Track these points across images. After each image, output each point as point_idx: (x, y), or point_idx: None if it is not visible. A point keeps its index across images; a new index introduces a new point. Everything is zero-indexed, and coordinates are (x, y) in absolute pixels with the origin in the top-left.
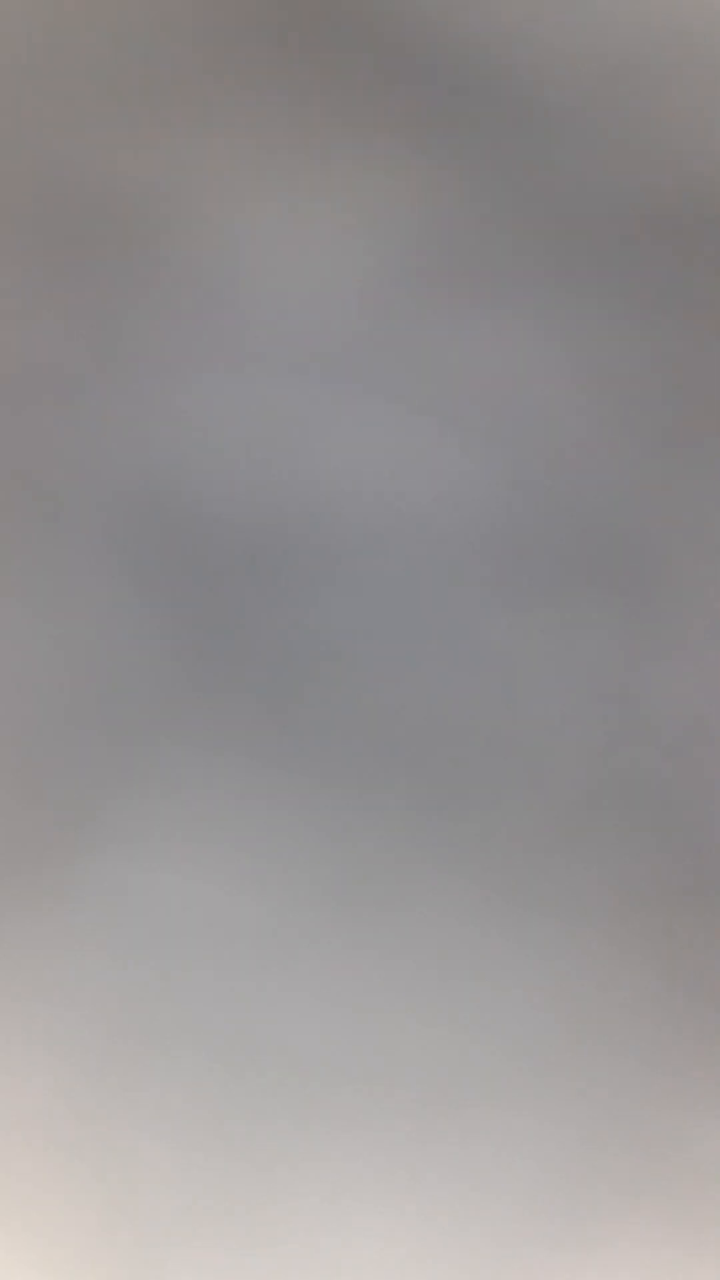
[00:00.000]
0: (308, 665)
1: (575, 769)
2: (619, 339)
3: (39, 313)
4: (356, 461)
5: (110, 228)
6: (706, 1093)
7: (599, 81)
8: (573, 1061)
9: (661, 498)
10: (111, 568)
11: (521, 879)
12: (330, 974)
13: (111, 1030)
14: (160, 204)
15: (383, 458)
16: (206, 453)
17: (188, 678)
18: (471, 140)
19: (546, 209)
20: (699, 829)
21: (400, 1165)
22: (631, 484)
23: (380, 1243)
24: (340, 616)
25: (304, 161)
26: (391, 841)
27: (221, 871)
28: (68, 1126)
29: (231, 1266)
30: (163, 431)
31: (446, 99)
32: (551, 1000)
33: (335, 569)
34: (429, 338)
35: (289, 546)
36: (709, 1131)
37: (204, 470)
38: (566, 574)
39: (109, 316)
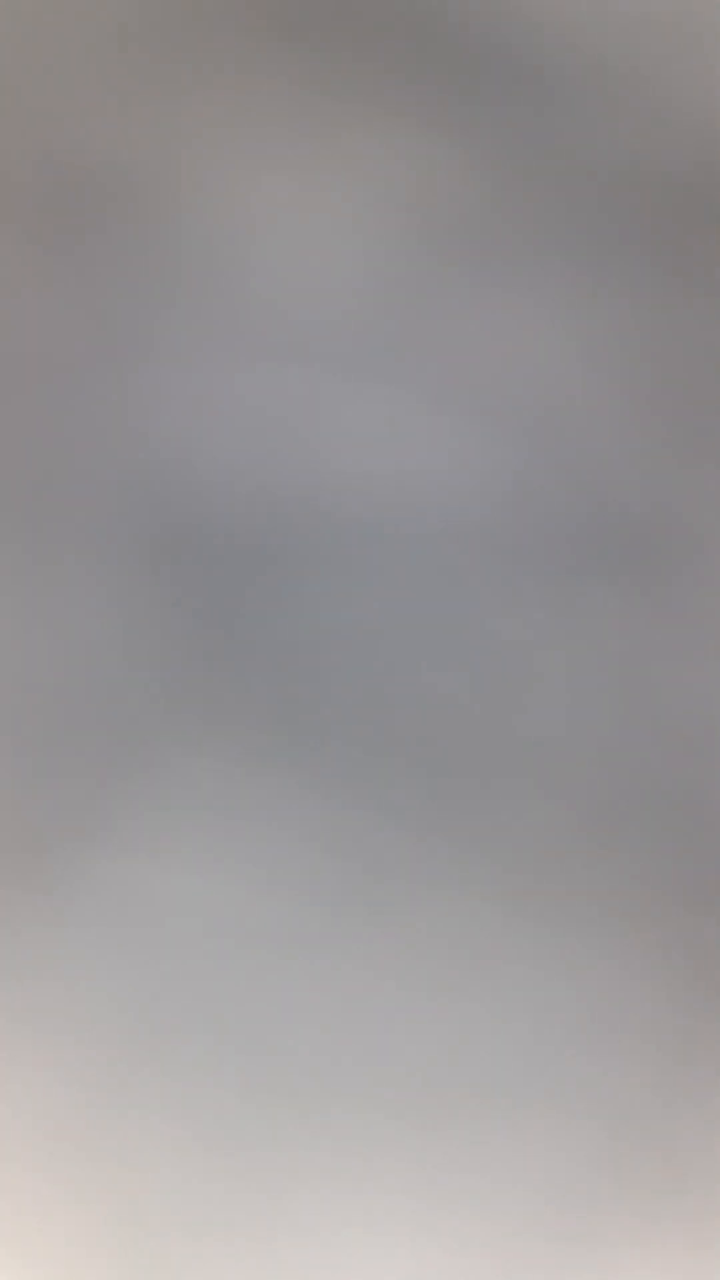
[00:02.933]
0: (313, 659)
1: (585, 764)
2: (630, 316)
3: (38, 296)
4: (362, 446)
5: (111, 208)
6: (714, 1101)
7: (607, 51)
8: (583, 1069)
9: (672, 482)
10: (113, 560)
11: (530, 878)
12: (335, 975)
13: (114, 1031)
14: (161, 183)
15: (389, 443)
16: (209, 438)
17: (191, 673)
18: (477, 114)
19: (554, 183)
20: (712, 826)
21: (406, 1170)
22: (643, 469)
23: (386, 1251)
24: (346, 608)
25: (308, 139)
26: (397, 841)
27: (226, 871)
28: (70, 1127)
29: (234, 1272)
30: (165, 417)
31: (452, 73)
32: (562, 1005)
33: (340, 559)
34: (436, 318)
35: (293, 536)
36: (714, 1140)
37: (207, 457)
38: (575, 562)
39: (110, 299)
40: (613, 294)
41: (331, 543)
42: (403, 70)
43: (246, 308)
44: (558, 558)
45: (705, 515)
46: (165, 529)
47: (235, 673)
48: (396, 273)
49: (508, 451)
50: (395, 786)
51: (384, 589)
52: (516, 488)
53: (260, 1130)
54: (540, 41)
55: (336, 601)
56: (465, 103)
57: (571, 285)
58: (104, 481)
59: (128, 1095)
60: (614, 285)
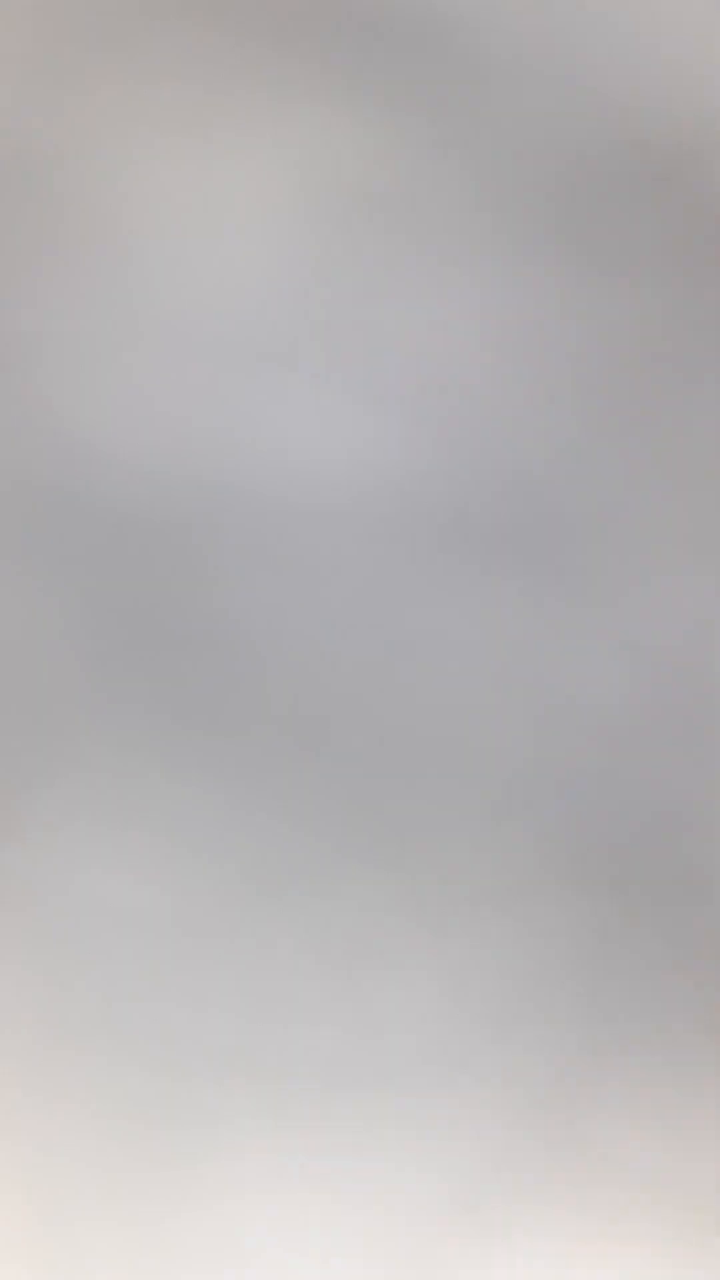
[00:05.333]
0: (226, 651)
1: (499, 754)
2: (548, 302)
3: None
4: (278, 435)
5: (20, 194)
6: (617, 1088)
7: (526, 28)
8: (497, 1056)
9: (592, 471)
10: (24, 555)
11: (441, 868)
12: (246, 965)
13: (26, 1021)
14: (75, 167)
15: (305, 431)
16: (122, 433)
17: (105, 666)
18: (394, 98)
19: (474, 166)
20: (624, 815)
21: (311, 1157)
22: (562, 457)
23: (289, 1231)
24: (260, 598)
25: (219, 124)
26: (309, 831)
27: (137, 862)
28: None
29: (144, 1252)
30: (76, 411)
31: (367, 54)
32: (469, 993)
33: (256, 549)
34: (352, 304)
35: (207, 526)
36: (616, 1127)
37: (120, 452)
38: (494, 554)
39: (17, 291)
40: (531, 280)
41: (246, 533)
42: (316, 54)
43: (161, 299)
44: (476, 550)
45: (625, 504)
46: (75, 521)
47: (148, 666)
48: (312, 258)
49: (425, 439)
50: (308, 779)
51: (300, 578)
52: (434, 475)
53: (169, 1116)
54: (456, 18)
55: (251, 592)
56: (382, 86)
57: (489, 271)
58: (13, 474)
59: (38, 1082)
60: (532, 270)
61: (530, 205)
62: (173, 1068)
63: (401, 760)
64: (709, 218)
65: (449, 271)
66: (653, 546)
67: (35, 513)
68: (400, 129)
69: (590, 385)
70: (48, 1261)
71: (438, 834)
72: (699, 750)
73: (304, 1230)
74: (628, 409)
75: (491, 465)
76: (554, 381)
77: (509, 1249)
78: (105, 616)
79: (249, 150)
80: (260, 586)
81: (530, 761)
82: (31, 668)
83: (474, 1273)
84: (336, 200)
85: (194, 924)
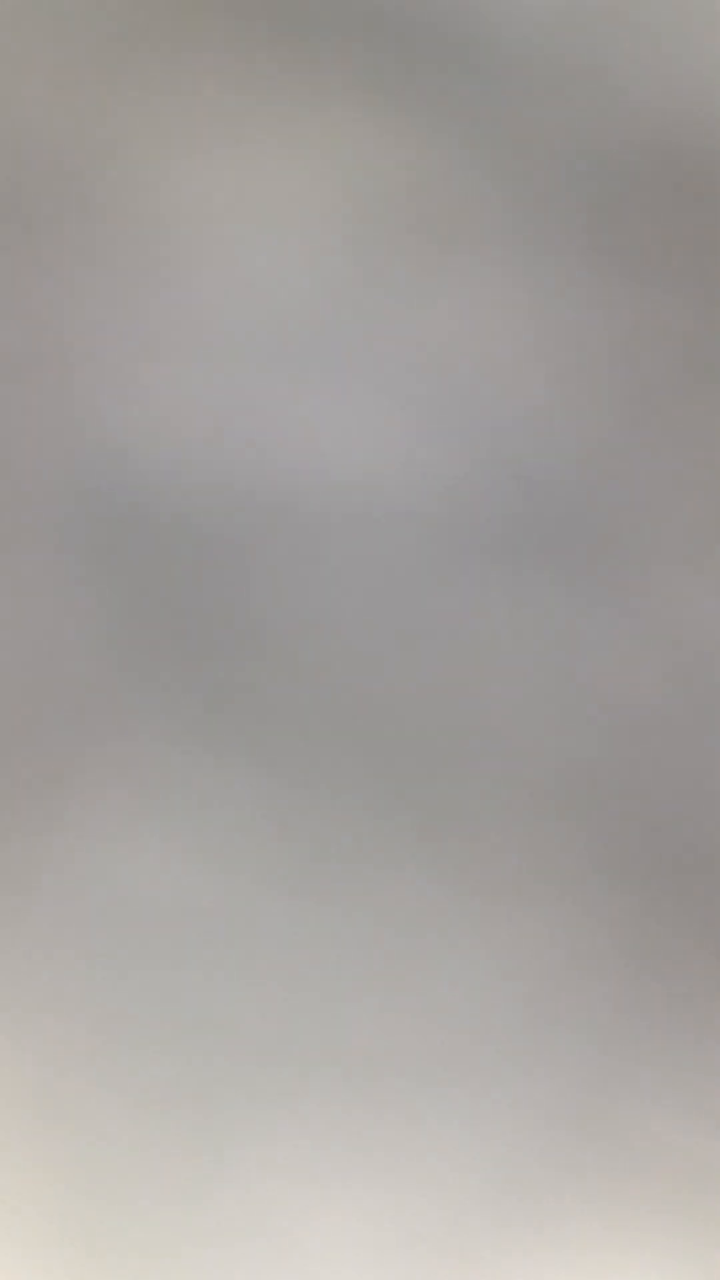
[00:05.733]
0: (265, 647)
1: (533, 749)
2: (575, 307)
3: None
4: (308, 439)
5: (58, 201)
6: (662, 1078)
7: (561, 36)
8: (531, 1046)
9: (624, 474)
10: (68, 555)
11: (481, 861)
12: (289, 955)
13: (69, 1010)
14: (113, 175)
15: (334, 434)
16: (157, 434)
17: (146, 661)
18: (428, 105)
19: (505, 173)
20: (659, 808)
21: (357, 1146)
22: (593, 461)
23: (335, 1221)
24: (296, 597)
25: (265, 128)
26: (350, 823)
27: (177, 850)
28: (27, 1102)
29: (182, 1235)
30: (113, 414)
31: (402, 60)
32: (511, 984)
33: (286, 546)
34: (391, 310)
35: (239, 524)
36: (655, 1114)
37: (154, 453)
38: (526, 552)
39: (60, 292)
40: (557, 285)
41: (277, 530)
42: (350, 61)
43: (200, 302)
44: (508, 548)
45: (652, 502)
46: (111, 517)
47: (190, 661)
48: (356, 265)
49: (455, 441)
50: (347, 771)
51: (330, 575)
52: (464, 476)
53: (211, 1104)
54: (490, 26)
55: (287, 590)
56: (415, 91)
57: (517, 276)
58: (59, 475)
59: (80, 1070)
60: (561, 276)
61: (560, 211)
62: (214, 1053)
63: (438, 754)
64: None
65: (479, 277)
66: (678, 542)
67: (73, 510)
68: (432, 134)
69: (618, 388)
70: (85, 1243)
71: (476, 824)
72: None
73: (342, 1216)
74: (654, 410)
75: (518, 466)
76: (581, 384)
77: (547, 1235)
78: (143, 607)
79: (284, 157)
80: (297, 583)
81: (565, 752)
82: (71, 659)
83: (512, 1260)
84: (368, 206)
85: (234, 911)
